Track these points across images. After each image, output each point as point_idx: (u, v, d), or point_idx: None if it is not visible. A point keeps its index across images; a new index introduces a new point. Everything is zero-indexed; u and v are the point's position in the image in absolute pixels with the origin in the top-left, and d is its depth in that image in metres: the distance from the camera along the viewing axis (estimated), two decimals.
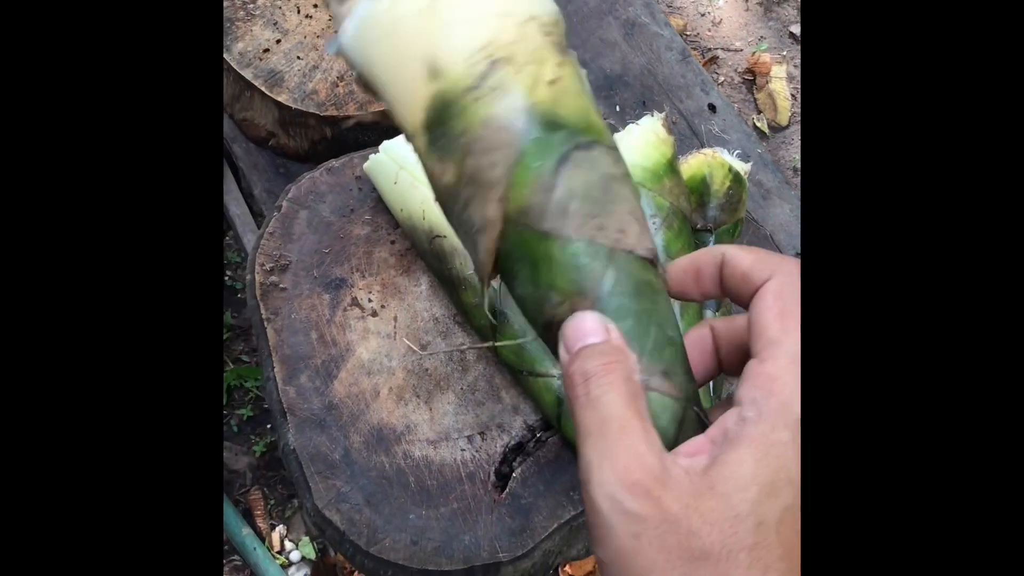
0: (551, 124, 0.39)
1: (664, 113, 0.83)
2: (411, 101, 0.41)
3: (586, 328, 0.37)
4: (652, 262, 0.40)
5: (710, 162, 0.85)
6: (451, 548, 0.75)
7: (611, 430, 0.34)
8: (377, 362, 0.81)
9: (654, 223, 0.80)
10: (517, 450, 0.81)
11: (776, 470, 0.33)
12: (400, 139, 0.83)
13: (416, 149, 0.42)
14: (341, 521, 0.75)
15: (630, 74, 1.07)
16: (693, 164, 0.86)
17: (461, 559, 0.74)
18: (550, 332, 0.39)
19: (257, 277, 0.82)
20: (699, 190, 0.85)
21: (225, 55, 0.89)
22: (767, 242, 0.92)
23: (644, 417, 0.35)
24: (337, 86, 0.90)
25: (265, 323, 0.81)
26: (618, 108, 1.05)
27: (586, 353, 0.36)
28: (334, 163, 0.89)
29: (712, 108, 1.07)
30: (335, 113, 0.89)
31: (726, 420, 0.35)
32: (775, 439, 0.33)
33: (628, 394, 0.35)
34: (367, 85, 0.43)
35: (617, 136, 0.82)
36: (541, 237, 0.38)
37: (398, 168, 0.81)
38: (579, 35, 1.08)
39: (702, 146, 1.04)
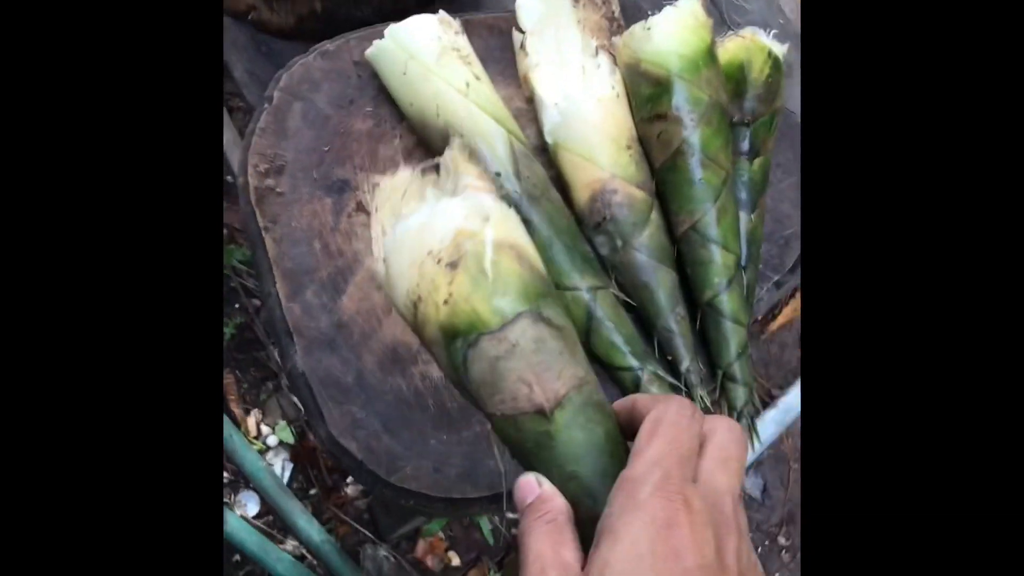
0: (450, 336, 0.50)
1: None
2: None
3: (522, 489, 0.47)
4: (541, 412, 0.48)
5: (748, 46, 0.77)
6: (476, 474, 0.71)
7: (535, 565, 0.42)
8: None
9: (691, 119, 0.72)
10: None
11: (629, 547, 0.39)
12: (409, 23, 0.74)
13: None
14: (358, 450, 0.70)
15: None
16: (730, 48, 0.78)
17: (487, 485, 0.71)
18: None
19: (251, 180, 0.74)
20: (736, 78, 0.77)
21: None
22: (797, 130, 0.85)
23: (561, 549, 0.42)
24: None
25: (263, 232, 0.74)
26: None
27: (525, 511, 0.46)
28: (328, 46, 0.79)
29: None
30: None
31: (600, 526, 0.42)
32: (624, 523, 0.40)
33: (549, 535, 0.43)
34: None
35: (653, 20, 0.73)
36: (490, 421, 0.51)
37: (407, 57, 0.72)
38: None
39: (720, 16, 0.96)
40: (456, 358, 0.50)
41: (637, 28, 0.74)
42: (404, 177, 0.59)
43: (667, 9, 0.73)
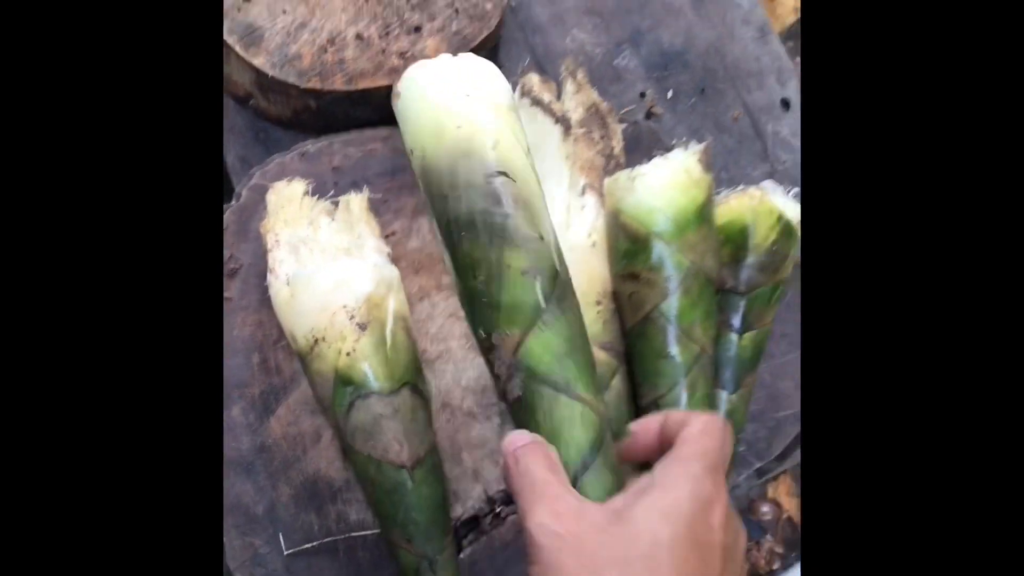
0: (345, 381, 0.62)
1: (704, 145, 0.66)
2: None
3: (516, 437, 0.48)
4: (404, 467, 0.61)
5: (755, 207, 0.69)
6: None
7: (538, 485, 0.45)
8: None
9: (668, 285, 0.65)
10: (471, 524, 0.69)
11: (671, 506, 0.42)
12: None
13: None
14: None
15: (693, 51, 0.89)
16: (733, 206, 0.69)
17: None
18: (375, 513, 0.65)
19: None
20: (736, 241, 0.69)
21: None
22: None
23: (563, 478, 0.46)
24: (325, 52, 0.75)
25: None
26: (670, 94, 0.87)
27: (518, 443, 0.47)
28: (309, 147, 0.75)
29: (786, 104, 0.88)
30: (318, 85, 0.75)
31: (638, 482, 0.45)
32: (672, 486, 0.43)
33: (548, 464, 0.46)
34: None
35: (640, 170, 0.66)
36: (351, 448, 0.62)
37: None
38: None
39: (764, 151, 0.87)
40: (341, 400, 0.61)
41: (623, 175, 0.66)
42: (298, 191, 0.68)
43: (656, 160, 0.65)
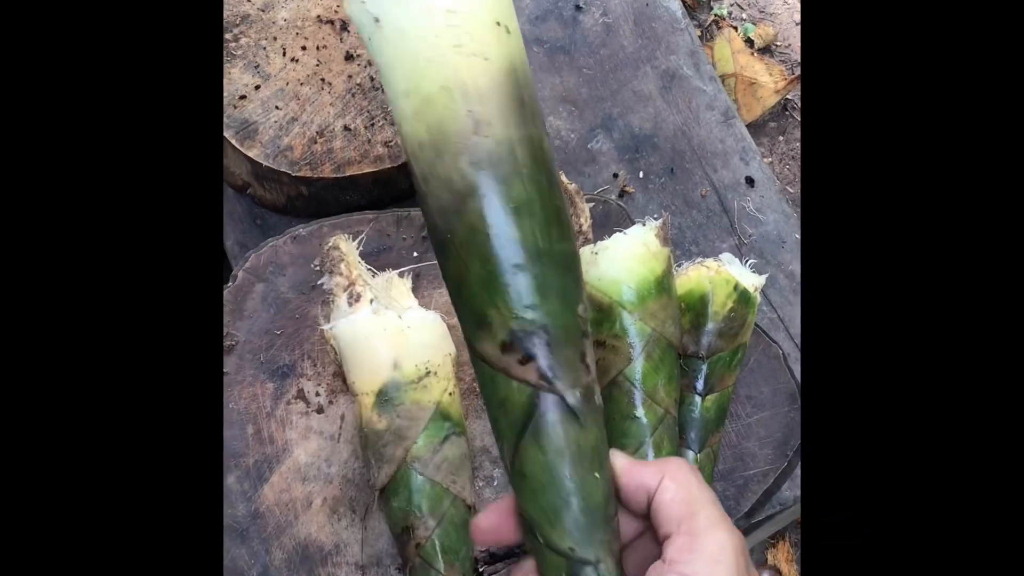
0: (444, 416, 0.69)
1: (661, 220, 0.72)
2: (373, 376, 0.69)
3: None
4: (469, 507, 0.69)
5: (712, 277, 0.74)
6: None
7: None
8: (315, 467, 0.74)
9: (631, 351, 0.69)
10: None
11: (717, 549, 0.41)
12: None
13: (361, 403, 0.69)
14: None
15: (661, 134, 0.95)
16: (692, 277, 0.74)
17: None
18: (407, 535, 0.67)
19: None
20: (696, 309, 0.74)
21: None
22: (779, 363, 0.80)
23: None
24: (315, 143, 0.82)
25: None
26: (641, 174, 0.93)
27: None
28: (301, 231, 0.81)
29: (750, 181, 0.94)
30: (309, 174, 0.81)
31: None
32: (710, 527, 0.42)
33: None
34: (341, 355, 0.72)
35: (601, 245, 0.71)
36: (419, 475, 0.67)
37: None
38: (609, 85, 0.97)
39: (731, 225, 0.93)
40: (438, 431, 0.68)
41: (586, 251, 0.72)
42: (352, 246, 0.75)
43: (617, 236, 0.71)
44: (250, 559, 0.71)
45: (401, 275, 0.77)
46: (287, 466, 0.74)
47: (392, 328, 0.69)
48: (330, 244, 0.73)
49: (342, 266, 0.72)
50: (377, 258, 0.80)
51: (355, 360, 0.70)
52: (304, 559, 0.71)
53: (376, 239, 0.81)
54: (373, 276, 0.75)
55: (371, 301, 0.70)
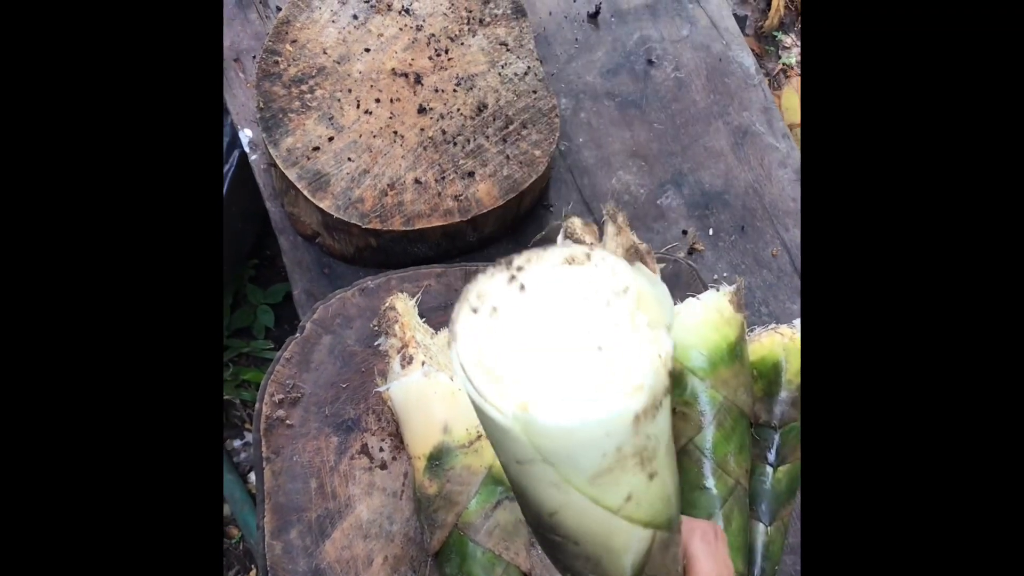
0: (497, 480, 0.66)
1: (735, 286, 0.70)
2: (424, 439, 0.68)
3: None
4: (524, 574, 0.65)
5: (786, 344, 0.72)
6: None
7: None
8: (377, 524, 0.73)
9: (702, 419, 0.68)
10: None
11: None
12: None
13: (414, 466, 0.68)
14: None
15: (732, 191, 0.94)
16: (765, 344, 0.73)
17: None
18: None
19: (264, 409, 0.76)
20: (768, 376, 0.72)
21: (272, 150, 0.82)
22: None
23: None
24: (386, 195, 0.82)
25: (264, 463, 0.74)
26: (711, 231, 0.92)
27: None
28: (369, 283, 0.81)
29: None
30: (379, 226, 0.81)
31: None
32: None
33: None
34: (396, 416, 0.71)
35: (675, 309, 0.70)
36: (471, 542, 0.65)
37: (537, 456, 0.38)
38: (680, 140, 0.96)
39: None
40: (490, 496, 0.66)
41: None
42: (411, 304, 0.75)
43: (690, 300, 0.69)
44: None
45: None
46: (349, 522, 0.73)
47: (443, 391, 0.68)
48: (387, 304, 0.73)
49: (396, 327, 0.72)
50: (444, 312, 0.80)
51: (407, 422, 0.69)
52: None
53: (443, 294, 0.81)
54: (433, 335, 0.74)
55: (423, 363, 0.69)
